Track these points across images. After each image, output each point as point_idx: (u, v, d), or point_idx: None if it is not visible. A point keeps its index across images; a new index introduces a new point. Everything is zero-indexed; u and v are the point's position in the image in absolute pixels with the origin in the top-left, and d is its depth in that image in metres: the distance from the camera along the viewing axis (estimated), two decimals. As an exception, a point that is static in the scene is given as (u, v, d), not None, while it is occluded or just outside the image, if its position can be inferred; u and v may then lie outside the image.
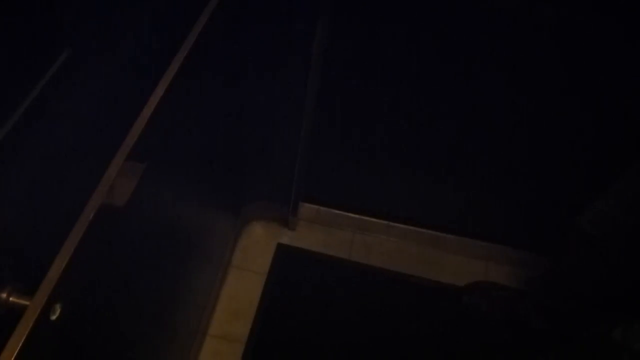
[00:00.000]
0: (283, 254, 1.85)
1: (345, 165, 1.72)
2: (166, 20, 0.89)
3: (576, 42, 1.21)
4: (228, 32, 1.16)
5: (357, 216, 1.88)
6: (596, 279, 1.36)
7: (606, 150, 1.40)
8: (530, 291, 1.61)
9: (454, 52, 1.30)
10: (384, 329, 1.69)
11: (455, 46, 1.29)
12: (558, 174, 1.53)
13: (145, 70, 0.83)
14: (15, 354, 0.54)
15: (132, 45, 0.79)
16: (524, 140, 1.47)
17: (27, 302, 0.57)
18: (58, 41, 0.62)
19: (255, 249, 1.86)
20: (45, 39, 0.60)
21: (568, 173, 1.51)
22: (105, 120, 0.75)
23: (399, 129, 1.54)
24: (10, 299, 0.58)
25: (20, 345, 0.54)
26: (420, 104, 1.45)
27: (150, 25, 0.84)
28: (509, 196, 1.66)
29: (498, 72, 1.32)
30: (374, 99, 1.47)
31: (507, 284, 1.76)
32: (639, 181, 1.17)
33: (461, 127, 1.49)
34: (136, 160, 0.72)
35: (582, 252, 1.35)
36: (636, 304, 1.34)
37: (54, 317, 0.60)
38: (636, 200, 1.17)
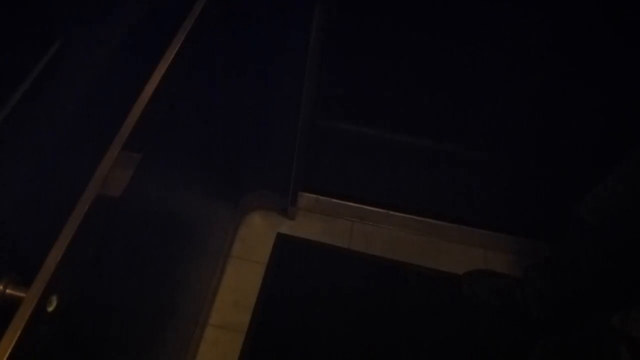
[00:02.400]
0: (283, 243, 1.85)
1: (344, 155, 1.72)
2: (161, 8, 0.88)
3: (576, 33, 1.20)
4: (224, 21, 1.15)
5: (356, 205, 1.88)
6: (595, 267, 1.36)
7: (604, 138, 1.39)
8: (529, 279, 1.61)
9: (454, 37, 1.29)
10: (383, 317, 1.69)
11: (456, 32, 1.28)
12: (556, 162, 1.53)
13: (140, 59, 0.82)
14: (12, 346, 0.54)
15: (126, 34, 0.78)
16: (522, 128, 1.47)
17: (23, 294, 0.57)
18: (49, 32, 0.61)
19: (254, 239, 1.86)
20: (37, 30, 0.59)
21: (566, 161, 1.51)
22: (100, 110, 0.74)
23: (398, 118, 1.53)
24: (7, 290, 0.58)
25: (17, 337, 0.54)
26: (419, 94, 1.44)
27: (145, 13, 0.83)
28: (508, 184, 1.66)
29: (499, 58, 1.31)
30: (373, 88, 1.46)
31: (506, 271, 1.77)
32: (636, 168, 1.16)
33: (460, 116, 1.48)
34: (132, 151, 0.72)
35: (581, 239, 1.35)
36: (635, 292, 1.35)
37: (50, 309, 0.60)
38: (634, 188, 1.17)
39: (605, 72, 1.26)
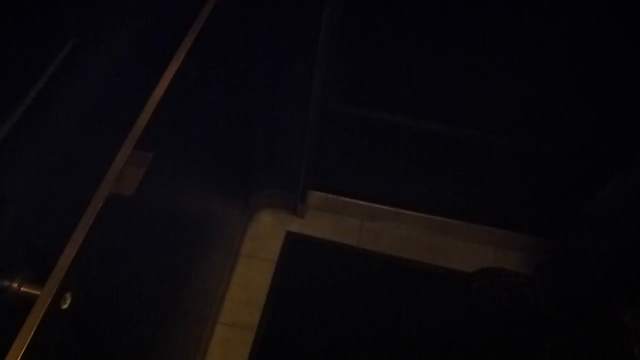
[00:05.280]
0: (292, 242, 1.85)
1: (353, 153, 1.72)
2: (173, 7, 0.89)
3: (583, 31, 1.20)
4: (235, 20, 1.15)
5: (365, 203, 1.88)
6: (606, 264, 1.35)
7: (615, 134, 1.38)
8: (539, 277, 1.61)
9: (462, 36, 1.29)
10: (393, 316, 1.69)
11: (462, 33, 1.27)
12: (566, 158, 1.52)
13: (152, 58, 0.83)
14: (27, 343, 0.54)
15: (139, 34, 0.79)
16: (532, 125, 1.46)
17: (38, 292, 0.58)
18: (63, 31, 0.61)
19: (264, 237, 1.87)
20: (51, 29, 0.60)
21: (576, 157, 1.50)
22: (113, 109, 0.75)
23: (406, 116, 1.53)
24: (22, 288, 0.59)
25: (31, 334, 0.55)
26: (427, 93, 1.44)
27: (157, 12, 0.83)
28: (518, 181, 1.65)
29: (505, 55, 1.31)
30: (382, 86, 1.46)
31: (516, 269, 1.76)
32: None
33: (469, 114, 1.48)
34: (144, 150, 0.73)
35: (592, 236, 1.34)
36: (646, 289, 1.34)
37: (65, 306, 0.61)
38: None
39: (618, 67, 1.25)
